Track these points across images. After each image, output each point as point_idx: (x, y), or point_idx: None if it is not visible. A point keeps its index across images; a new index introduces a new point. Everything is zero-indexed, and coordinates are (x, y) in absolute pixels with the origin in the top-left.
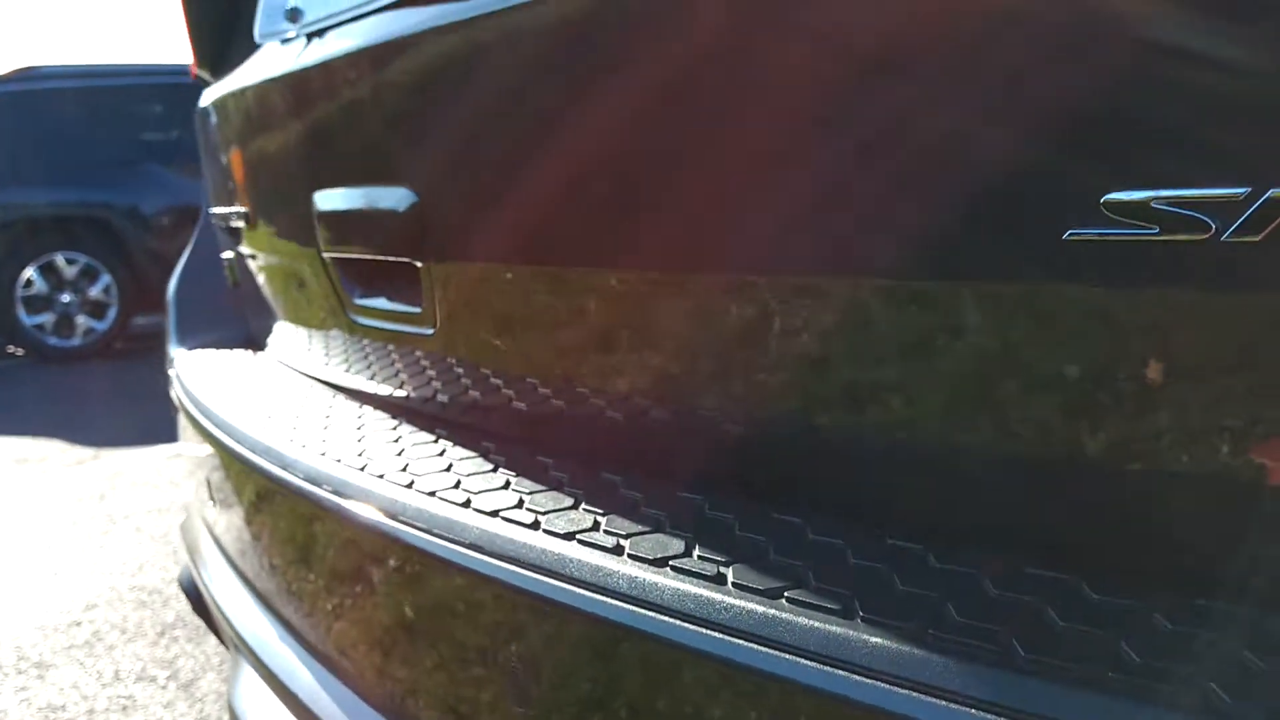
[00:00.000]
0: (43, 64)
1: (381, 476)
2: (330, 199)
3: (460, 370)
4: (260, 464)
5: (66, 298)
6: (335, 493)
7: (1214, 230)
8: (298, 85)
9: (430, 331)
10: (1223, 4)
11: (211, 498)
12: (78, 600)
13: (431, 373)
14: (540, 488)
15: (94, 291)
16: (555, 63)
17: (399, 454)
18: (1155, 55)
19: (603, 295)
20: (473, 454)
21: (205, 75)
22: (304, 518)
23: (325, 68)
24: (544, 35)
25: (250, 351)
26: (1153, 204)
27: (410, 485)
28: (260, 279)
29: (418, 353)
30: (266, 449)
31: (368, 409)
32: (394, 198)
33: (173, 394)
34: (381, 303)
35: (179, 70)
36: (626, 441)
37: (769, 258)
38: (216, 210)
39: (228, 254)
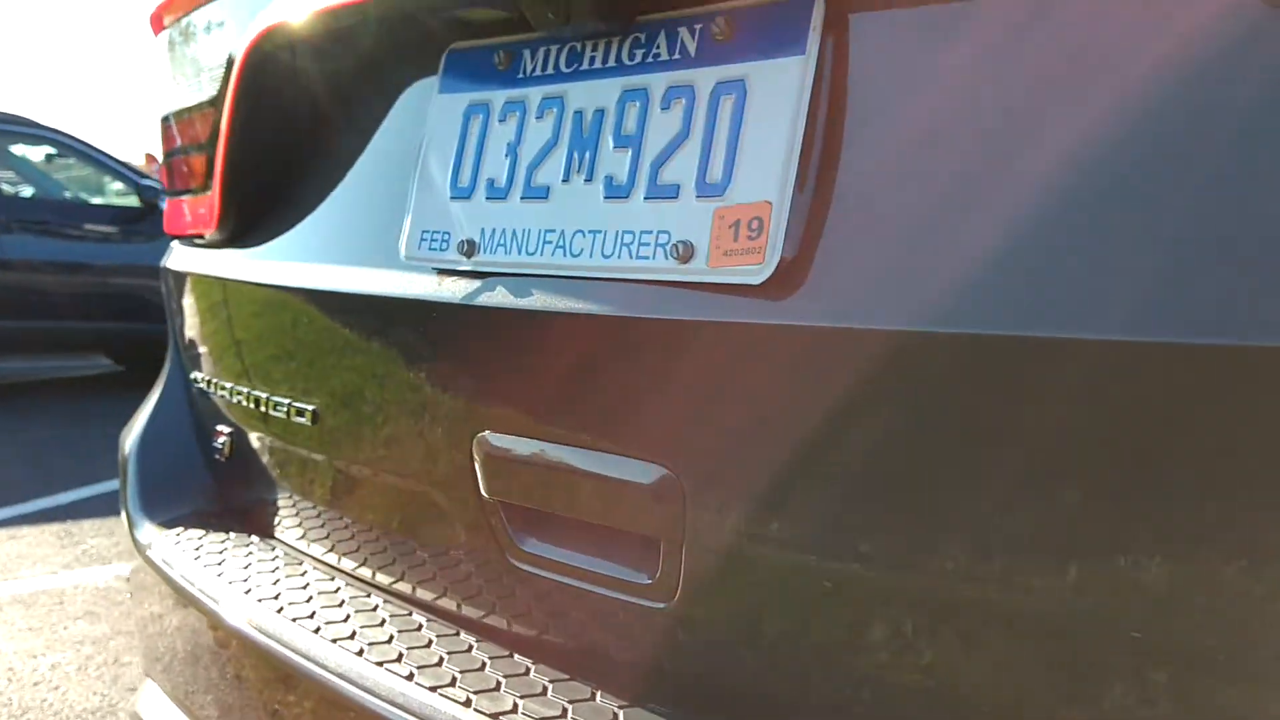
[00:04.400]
0: None
1: None
2: (511, 443)
3: (707, 651)
4: None
5: None
6: None
7: None
8: (468, 318)
9: (662, 605)
10: None
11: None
12: None
13: (666, 650)
14: None
15: None
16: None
17: None
18: None
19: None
20: None
21: (216, 235)
22: None
23: (522, 314)
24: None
25: (247, 535)
26: None
27: None
28: (294, 468)
29: (633, 620)
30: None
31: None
32: (636, 470)
33: (151, 578)
34: (567, 557)
35: None
36: None
37: None
38: (220, 384)
39: (226, 428)
